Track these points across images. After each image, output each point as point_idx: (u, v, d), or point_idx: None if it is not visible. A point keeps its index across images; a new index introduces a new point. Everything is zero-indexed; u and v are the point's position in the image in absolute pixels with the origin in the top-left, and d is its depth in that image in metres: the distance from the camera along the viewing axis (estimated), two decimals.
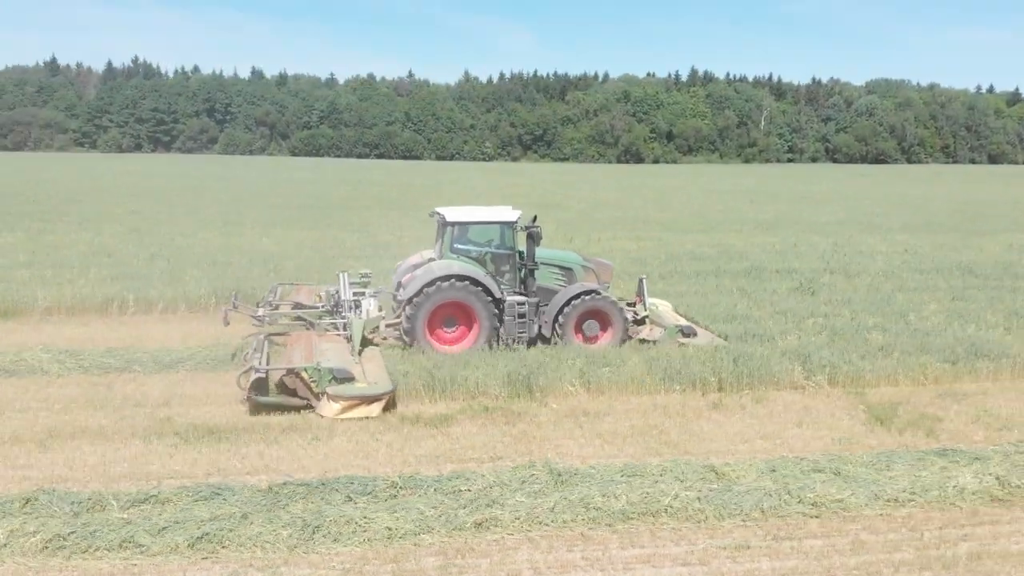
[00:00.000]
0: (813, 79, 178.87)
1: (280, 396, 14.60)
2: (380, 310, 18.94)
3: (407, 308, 17.34)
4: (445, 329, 17.73)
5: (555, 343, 17.84)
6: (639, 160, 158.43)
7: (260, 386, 14.30)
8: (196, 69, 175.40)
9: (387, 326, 18.57)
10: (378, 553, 9.65)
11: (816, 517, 10.76)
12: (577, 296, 17.99)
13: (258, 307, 19.82)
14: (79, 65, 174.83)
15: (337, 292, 19.59)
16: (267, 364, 15.28)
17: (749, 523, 10.57)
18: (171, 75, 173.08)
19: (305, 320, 19.35)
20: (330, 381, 14.34)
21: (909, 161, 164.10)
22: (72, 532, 9.78)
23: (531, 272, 18.26)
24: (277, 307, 20.43)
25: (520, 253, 18.46)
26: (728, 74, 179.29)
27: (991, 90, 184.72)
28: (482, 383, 15.26)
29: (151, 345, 18.22)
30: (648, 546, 9.99)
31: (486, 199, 50.77)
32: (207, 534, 9.75)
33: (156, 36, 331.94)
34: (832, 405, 15.29)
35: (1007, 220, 50.28)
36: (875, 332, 19.18)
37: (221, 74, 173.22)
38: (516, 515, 10.43)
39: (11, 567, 9.20)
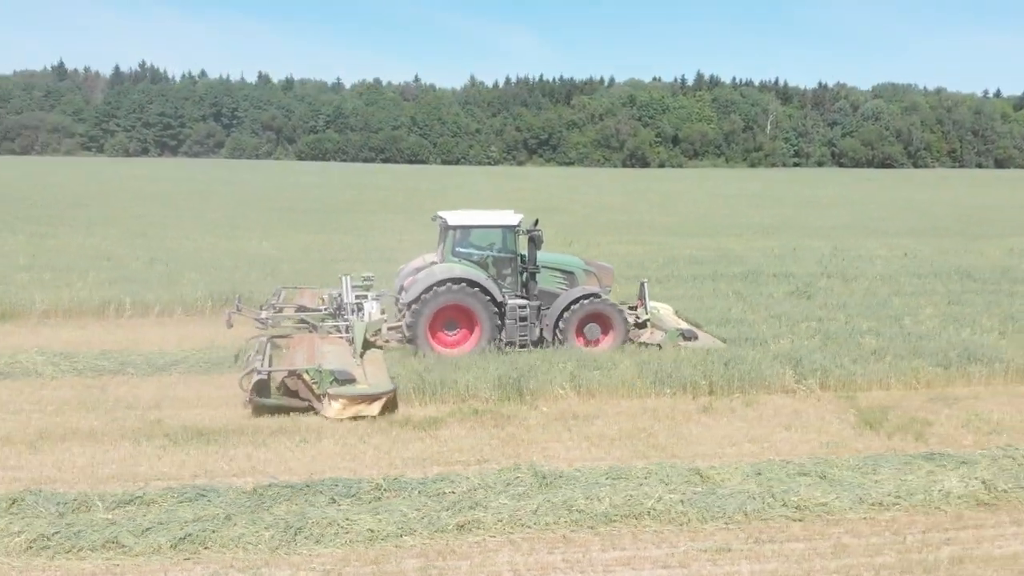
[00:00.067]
0: (819, 83, 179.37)
1: (282, 398, 14.67)
2: (382, 313, 19.03)
3: (409, 311, 17.41)
4: (447, 332, 17.79)
5: (556, 346, 17.87)
6: (645, 164, 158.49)
7: (262, 388, 14.40)
8: (203, 74, 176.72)
9: (389, 329, 18.66)
10: (359, 555, 9.69)
11: (799, 520, 10.76)
12: (578, 300, 18.03)
13: (261, 310, 19.91)
14: (86, 69, 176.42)
15: (340, 295, 19.68)
16: (269, 366, 15.34)
17: (731, 526, 10.58)
18: (178, 80, 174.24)
19: (308, 323, 19.42)
20: (331, 383, 14.42)
21: (915, 166, 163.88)
22: (56, 532, 9.84)
23: (532, 276, 18.32)
24: (280, 310, 20.52)
25: (522, 257, 18.52)
26: (734, 78, 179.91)
27: (998, 94, 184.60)
28: (472, 386, 15.29)
29: (146, 348, 18.31)
30: (629, 548, 10.01)
31: (491, 203, 50.94)
32: (190, 535, 9.81)
33: (163, 41, 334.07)
34: (822, 409, 15.28)
35: (1011, 224, 50.20)
36: (869, 336, 19.18)
37: (228, 79, 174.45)
38: (499, 517, 10.45)
39: None
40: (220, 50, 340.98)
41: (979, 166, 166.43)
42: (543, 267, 18.51)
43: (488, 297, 17.48)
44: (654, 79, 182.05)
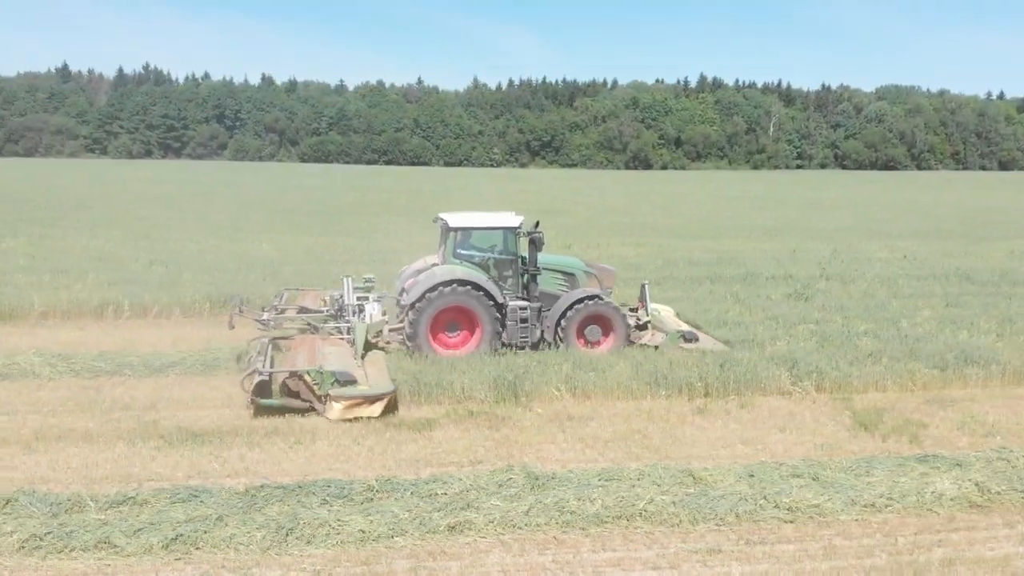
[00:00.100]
0: (822, 85, 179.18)
1: (283, 399, 14.70)
2: (384, 314, 19.08)
3: (410, 312, 17.46)
4: (448, 334, 17.83)
5: (557, 348, 17.89)
6: (647, 166, 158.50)
7: (263, 388, 14.44)
8: (206, 76, 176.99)
9: (391, 330, 18.72)
10: (350, 555, 9.71)
11: (791, 522, 10.76)
12: (579, 301, 18.06)
13: (264, 311, 19.95)
14: (90, 71, 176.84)
15: (341, 297, 19.71)
16: (271, 367, 15.36)
17: (723, 527, 10.59)
18: (181, 81, 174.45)
19: (309, 324, 19.47)
20: (332, 384, 14.47)
21: (919, 168, 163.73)
22: (49, 532, 9.87)
23: (533, 277, 18.36)
24: (283, 311, 20.56)
25: (523, 258, 18.55)
26: (737, 80, 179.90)
27: (1001, 96, 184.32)
28: (468, 387, 15.32)
29: (144, 349, 18.34)
30: (620, 549, 10.03)
31: (493, 205, 50.92)
32: (181, 535, 9.83)
33: (167, 43, 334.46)
34: (817, 411, 15.28)
35: (1014, 227, 50.14)
36: (865, 338, 19.19)
37: (231, 81, 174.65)
38: (490, 518, 10.47)
39: None
40: (223, 52, 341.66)
41: (983, 168, 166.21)
42: (544, 269, 18.54)
43: (489, 299, 17.52)
44: (657, 81, 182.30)
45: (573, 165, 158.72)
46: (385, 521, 10.30)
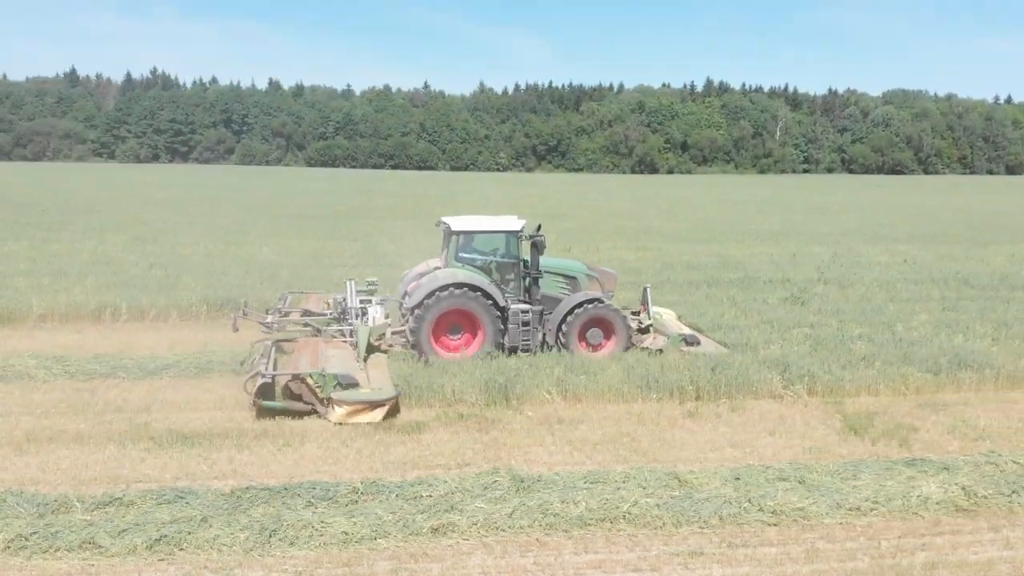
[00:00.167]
0: (829, 89, 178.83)
1: (285, 401, 14.78)
2: (387, 317, 19.18)
3: (412, 316, 17.53)
4: (450, 336, 17.89)
5: (559, 351, 17.94)
6: (653, 170, 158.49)
7: (266, 391, 14.52)
8: (214, 80, 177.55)
9: (393, 333, 18.82)
10: (332, 557, 9.75)
11: (775, 525, 10.76)
12: (581, 304, 18.11)
13: (267, 314, 20.05)
14: (98, 76, 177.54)
15: (344, 300, 19.81)
16: (273, 370, 15.42)
17: (706, 530, 10.60)
18: (189, 86, 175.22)
19: (312, 327, 19.55)
20: (335, 387, 14.54)
21: (926, 172, 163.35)
22: (34, 532, 9.95)
23: (535, 280, 18.43)
24: (287, 314, 20.65)
25: (525, 262, 18.62)
26: (744, 84, 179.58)
27: (1009, 100, 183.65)
28: (459, 390, 15.37)
29: (139, 352, 18.44)
30: (602, 552, 10.05)
31: (499, 210, 50.96)
32: (165, 536, 9.90)
33: (175, 47, 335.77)
34: (808, 415, 15.27)
35: (1018, 231, 49.91)
36: (860, 342, 19.17)
37: (238, 85, 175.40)
38: (473, 521, 10.50)
39: None
40: (231, 57, 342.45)
41: (990, 172, 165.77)
42: (546, 272, 18.61)
43: (491, 302, 17.59)
44: (663, 85, 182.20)
45: (579, 169, 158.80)
46: (368, 523, 10.34)
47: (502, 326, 17.81)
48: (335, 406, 14.34)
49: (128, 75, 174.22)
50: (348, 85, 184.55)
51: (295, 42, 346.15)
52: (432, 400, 15.27)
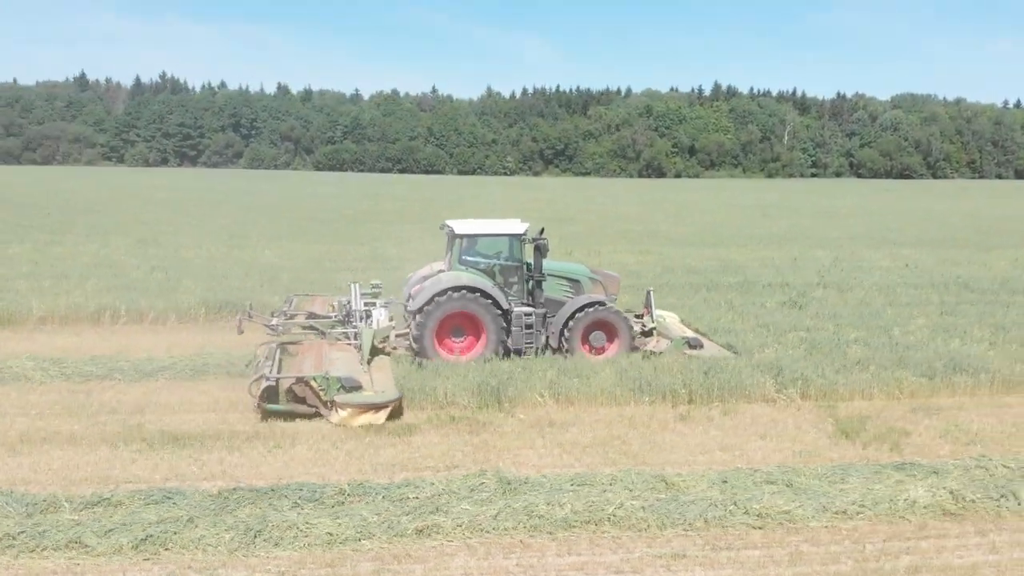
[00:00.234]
0: (838, 94, 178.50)
1: (289, 404, 14.86)
2: (391, 320, 19.28)
3: (416, 318, 17.62)
4: (453, 339, 17.97)
5: (562, 354, 17.98)
6: (661, 175, 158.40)
7: (270, 394, 14.60)
8: (223, 84, 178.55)
9: (397, 336, 18.90)
10: (316, 557, 9.80)
11: (759, 528, 10.77)
12: (584, 307, 18.18)
13: (272, 316, 20.14)
14: (108, 80, 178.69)
15: (349, 302, 19.91)
16: (278, 373, 15.48)
17: (690, 532, 10.61)
18: (198, 90, 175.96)
19: (317, 329, 19.66)
20: (338, 390, 14.63)
21: (935, 176, 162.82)
22: (22, 532, 10.04)
23: (538, 283, 18.49)
24: (292, 316, 20.74)
25: (528, 265, 18.68)
26: (752, 89, 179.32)
27: (1018, 105, 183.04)
28: (451, 393, 15.41)
29: (136, 354, 18.53)
30: (585, 554, 10.07)
31: (506, 214, 51.00)
32: (151, 536, 9.98)
33: (184, 52, 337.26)
34: (800, 418, 15.26)
35: (1022, 236, 49.69)
36: (855, 346, 19.13)
37: (247, 89, 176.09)
38: (458, 522, 10.54)
39: None
40: (240, 61, 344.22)
41: (999, 177, 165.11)
42: (549, 275, 18.68)
43: (494, 305, 17.67)
44: (671, 89, 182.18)
45: (586, 173, 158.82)
46: (353, 524, 10.39)
47: (505, 329, 17.88)
48: (338, 408, 14.42)
49: (137, 79, 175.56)
50: (356, 89, 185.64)
51: (304, 46, 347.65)
52: (424, 403, 15.32)
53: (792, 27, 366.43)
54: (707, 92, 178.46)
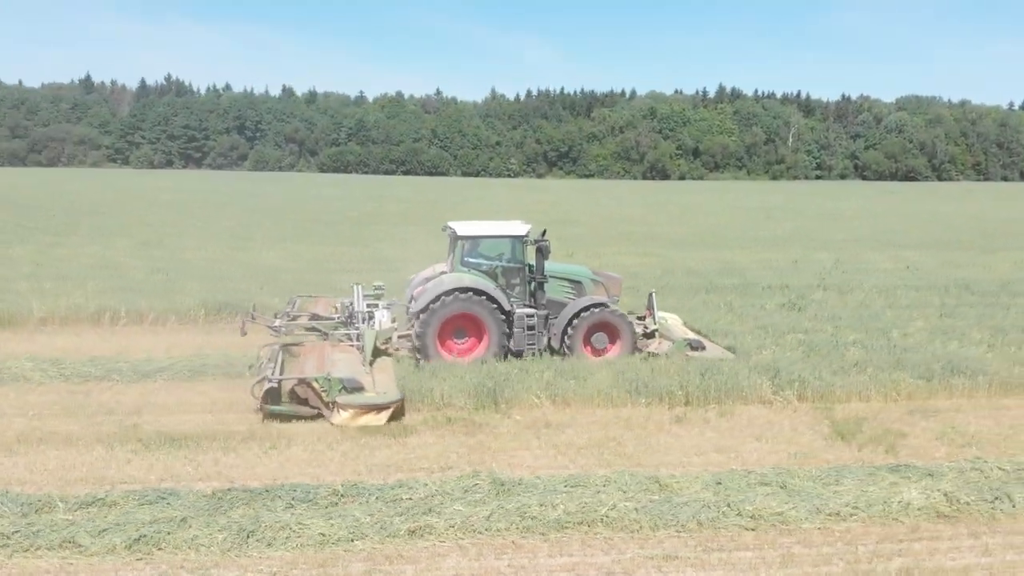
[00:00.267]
0: (842, 96, 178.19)
1: (292, 405, 14.91)
2: (393, 321, 19.34)
3: (418, 319, 17.68)
4: (456, 340, 18.01)
5: (563, 355, 18.02)
6: (665, 177, 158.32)
7: (272, 395, 14.65)
8: (227, 87, 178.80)
9: (399, 337, 18.96)
10: (308, 558, 9.83)
11: (752, 530, 10.76)
12: (586, 309, 18.21)
13: (276, 318, 20.20)
14: (113, 83, 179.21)
15: (351, 304, 19.96)
16: (280, 374, 15.54)
17: (683, 534, 10.62)
18: (203, 92, 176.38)
19: (320, 331, 19.73)
20: (340, 391, 14.68)
21: (940, 178, 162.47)
22: (16, 531, 10.09)
23: (540, 285, 18.52)
24: (295, 318, 20.81)
25: (530, 266, 18.73)
26: (756, 91, 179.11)
27: None
28: (447, 394, 15.43)
29: (135, 355, 18.58)
30: (577, 555, 10.09)
31: (509, 216, 51.04)
32: (144, 536, 10.01)
33: (189, 54, 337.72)
34: (797, 420, 15.26)
35: None
36: (854, 348, 19.10)
37: (252, 92, 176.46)
38: (451, 523, 10.56)
39: None
40: (245, 64, 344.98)
41: (1004, 179, 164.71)
42: (551, 277, 18.71)
43: (496, 306, 17.71)
44: (675, 91, 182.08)
45: (590, 175, 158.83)
46: (346, 525, 10.42)
47: (507, 330, 17.93)
48: (339, 409, 14.46)
49: (142, 81, 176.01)
50: (361, 92, 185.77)
51: (308, 49, 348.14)
52: (421, 404, 15.34)
53: (796, 29, 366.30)
54: (711, 94, 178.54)
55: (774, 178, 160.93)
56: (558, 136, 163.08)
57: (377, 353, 17.82)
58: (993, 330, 21.22)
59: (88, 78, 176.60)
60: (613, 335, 18.35)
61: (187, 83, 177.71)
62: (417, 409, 15.24)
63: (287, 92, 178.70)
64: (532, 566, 9.79)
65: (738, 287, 27.68)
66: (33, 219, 49.91)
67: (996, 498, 11.67)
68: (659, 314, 20.02)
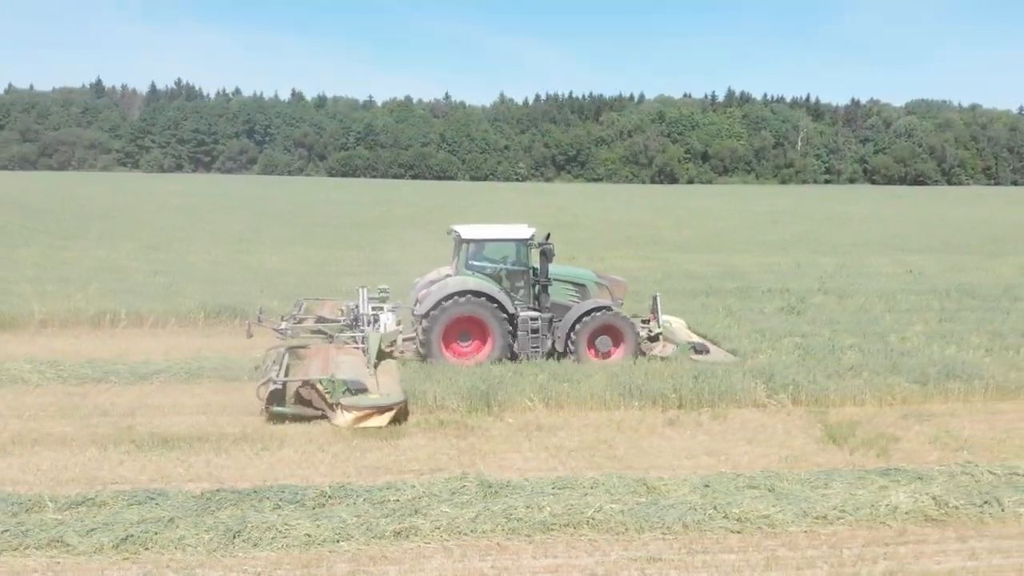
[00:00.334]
0: (852, 100, 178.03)
1: (296, 407, 15.01)
2: (398, 324, 19.43)
3: (423, 322, 17.77)
4: (460, 343, 18.10)
5: (568, 358, 18.08)
6: (673, 181, 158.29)
7: (277, 397, 14.76)
8: (237, 91, 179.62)
9: (404, 340, 19.05)
10: (293, 559, 9.87)
11: (738, 532, 10.75)
12: (590, 312, 18.26)
13: (282, 320, 20.33)
14: (123, 87, 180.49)
15: (357, 307, 20.06)
16: (285, 376, 15.65)
17: (668, 536, 10.61)
18: (213, 97, 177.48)
19: (325, 333, 19.84)
20: (344, 392, 14.79)
21: (949, 183, 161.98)
22: (6, 531, 10.16)
23: (544, 288, 18.59)
24: (301, 321, 20.96)
25: (534, 269, 18.79)
26: (765, 95, 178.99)
27: None
28: (440, 397, 15.47)
29: (133, 357, 18.66)
30: (561, 556, 10.10)
31: (516, 219, 51.11)
32: (131, 536, 10.07)
33: (199, 59, 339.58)
34: (790, 424, 15.24)
35: None
36: (850, 352, 19.08)
37: (261, 96, 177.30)
38: (437, 525, 10.59)
39: None
40: (254, 68, 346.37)
41: (1014, 183, 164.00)
42: (555, 280, 18.79)
43: (500, 309, 17.78)
44: (684, 95, 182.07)
45: (598, 179, 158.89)
46: (332, 526, 10.46)
47: (511, 333, 17.97)
48: (343, 411, 14.54)
49: (153, 86, 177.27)
50: (370, 96, 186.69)
51: (318, 53, 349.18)
52: (414, 407, 15.33)
53: (806, 33, 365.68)
54: (720, 98, 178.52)
55: (783, 182, 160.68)
56: (566, 140, 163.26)
57: (382, 356, 17.92)
58: (992, 334, 21.15)
59: (99, 82, 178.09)
60: (617, 338, 18.39)
61: (197, 87, 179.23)
62: (411, 411, 15.26)
63: (296, 96, 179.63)
64: (516, 567, 9.81)
65: (738, 291, 27.66)
66: (39, 222, 50.22)
67: (985, 502, 11.62)
68: (663, 317, 20.06)
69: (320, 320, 20.99)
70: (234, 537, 10.17)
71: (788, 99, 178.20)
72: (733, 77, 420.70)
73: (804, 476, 12.43)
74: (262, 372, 16.59)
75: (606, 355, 18.28)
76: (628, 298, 22.50)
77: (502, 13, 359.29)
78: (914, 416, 15.74)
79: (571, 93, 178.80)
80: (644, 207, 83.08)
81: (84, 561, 9.70)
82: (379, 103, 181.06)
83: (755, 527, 10.87)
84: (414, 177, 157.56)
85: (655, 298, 20.23)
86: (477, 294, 17.72)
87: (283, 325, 19.87)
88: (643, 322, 19.79)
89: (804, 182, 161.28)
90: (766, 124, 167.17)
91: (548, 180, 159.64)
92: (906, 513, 11.31)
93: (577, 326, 18.18)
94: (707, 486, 11.98)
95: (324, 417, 14.77)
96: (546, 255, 18.46)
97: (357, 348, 18.44)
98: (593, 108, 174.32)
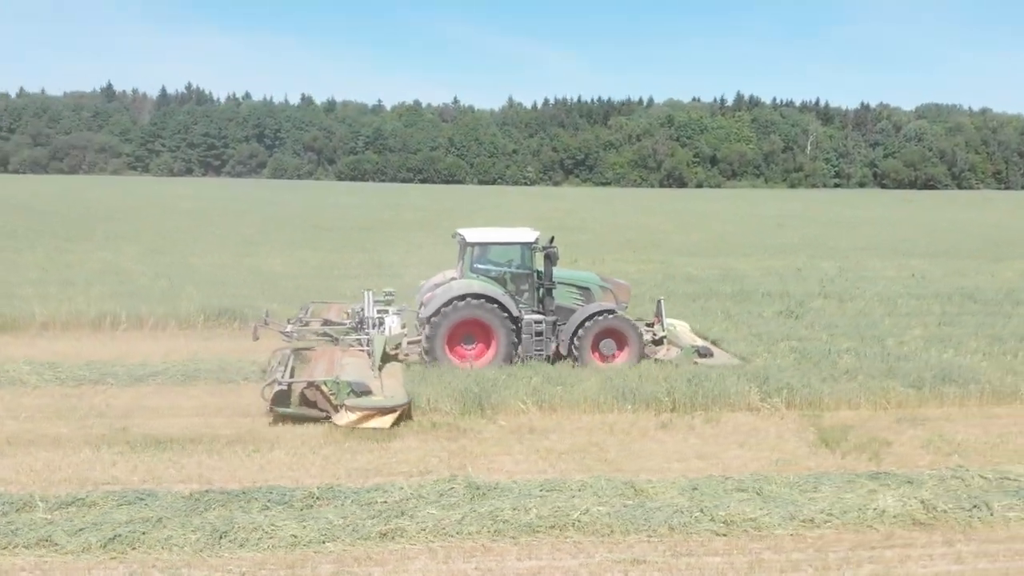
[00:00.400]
0: (861, 104, 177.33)
1: (300, 408, 15.13)
2: (403, 327, 19.54)
3: (427, 325, 17.86)
4: (464, 346, 18.17)
5: (572, 361, 18.14)
6: (682, 185, 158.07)
7: (282, 398, 14.88)
8: (247, 95, 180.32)
9: (409, 343, 19.15)
10: (278, 559, 9.93)
11: (724, 535, 10.76)
12: (594, 315, 18.31)
13: (288, 323, 20.47)
14: (134, 91, 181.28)
15: (362, 310, 20.19)
16: (290, 377, 15.80)
17: (653, 539, 10.63)
18: (223, 101, 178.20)
19: (330, 336, 19.98)
20: (348, 394, 14.89)
21: (959, 187, 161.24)
22: None
23: (549, 291, 18.66)
24: (307, 323, 21.10)
25: (538, 273, 18.85)
26: (774, 99, 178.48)
27: None
28: (434, 400, 15.52)
29: (132, 360, 18.79)
30: (545, 558, 10.14)
31: (524, 223, 51.14)
32: (119, 536, 10.15)
33: (209, 63, 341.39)
34: (783, 427, 15.24)
35: None
36: (847, 356, 19.05)
37: (271, 100, 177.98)
38: (423, 526, 10.64)
39: None
40: (264, 72, 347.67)
41: None
42: (559, 283, 18.86)
43: (505, 312, 17.85)
44: (693, 99, 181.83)
45: (607, 183, 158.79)
46: (318, 527, 10.52)
47: (516, 336, 18.04)
48: (346, 411, 14.64)
49: (163, 90, 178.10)
50: (379, 100, 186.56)
51: (327, 58, 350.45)
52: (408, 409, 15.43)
53: (815, 37, 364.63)
54: (729, 102, 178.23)
55: (792, 186, 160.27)
56: (575, 144, 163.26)
57: (387, 359, 18.01)
58: (991, 339, 21.07)
59: (109, 86, 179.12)
60: (621, 342, 18.42)
61: (207, 92, 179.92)
62: (405, 413, 15.32)
63: (306, 101, 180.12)
64: (500, 569, 9.86)
65: (737, 294, 27.63)
66: (45, 224, 50.52)
67: (974, 506, 11.60)
68: (667, 321, 20.09)
69: (326, 323, 21.15)
70: (220, 537, 10.24)
71: (798, 103, 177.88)
72: (742, 81, 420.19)
73: (793, 479, 12.43)
74: (268, 374, 16.70)
75: (610, 359, 18.32)
76: (629, 301, 22.57)
77: (511, 17, 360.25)
78: (908, 420, 15.72)
79: (580, 97, 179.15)
80: (652, 211, 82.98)
81: (71, 560, 9.79)
82: (388, 107, 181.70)
83: (741, 530, 10.88)
84: (423, 181, 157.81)
85: (659, 301, 20.26)
86: (482, 297, 17.80)
87: (289, 328, 20.01)
88: (647, 325, 19.82)
89: (813, 186, 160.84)
90: (775, 128, 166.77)
91: (556, 184, 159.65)
92: (894, 517, 11.29)
93: (581, 330, 18.22)
94: (695, 489, 11.99)
95: (328, 419, 14.84)
96: (550, 258, 18.53)
97: (362, 351, 18.55)
98: (602, 112, 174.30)
